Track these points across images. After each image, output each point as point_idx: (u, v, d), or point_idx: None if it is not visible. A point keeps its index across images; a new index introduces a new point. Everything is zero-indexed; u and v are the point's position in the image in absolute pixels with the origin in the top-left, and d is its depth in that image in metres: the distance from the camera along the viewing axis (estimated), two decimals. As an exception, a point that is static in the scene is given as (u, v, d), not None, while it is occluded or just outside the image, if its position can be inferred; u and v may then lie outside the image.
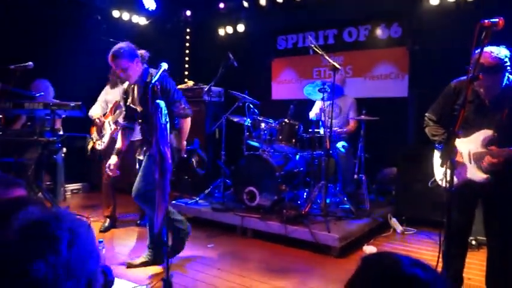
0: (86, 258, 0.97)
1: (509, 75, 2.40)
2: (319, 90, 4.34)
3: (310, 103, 5.15)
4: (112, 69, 4.30)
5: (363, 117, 4.57)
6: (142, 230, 4.36)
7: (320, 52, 4.20)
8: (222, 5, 6.54)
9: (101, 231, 4.26)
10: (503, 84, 2.38)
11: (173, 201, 4.90)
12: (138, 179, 3.24)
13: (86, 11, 6.42)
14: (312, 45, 4.23)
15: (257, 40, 6.58)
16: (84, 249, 0.97)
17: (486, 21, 1.87)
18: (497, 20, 1.89)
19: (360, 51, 5.93)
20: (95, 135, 4.41)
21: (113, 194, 4.41)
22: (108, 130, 4.26)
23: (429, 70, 4.97)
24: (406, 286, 0.90)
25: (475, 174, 2.42)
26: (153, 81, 2.83)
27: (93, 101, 4.62)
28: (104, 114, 4.34)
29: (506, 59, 2.28)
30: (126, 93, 3.35)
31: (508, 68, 2.30)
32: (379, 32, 5.77)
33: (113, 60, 3.06)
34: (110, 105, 4.34)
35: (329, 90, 4.23)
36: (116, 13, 6.72)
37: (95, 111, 4.40)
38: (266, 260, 3.59)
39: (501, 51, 2.28)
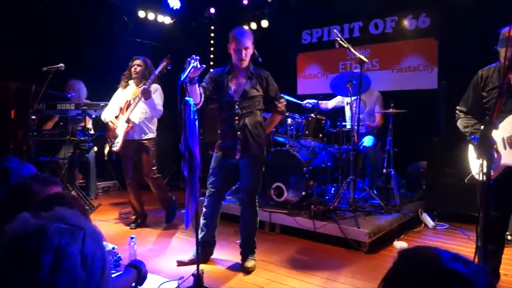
0: (79, 279, 0.80)
1: None
2: (346, 84, 4.29)
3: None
4: (127, 69, 4.31)
5: (391, 110, 4.49)
6: (169, 226, 4.45)
7: (346, 45, 4.13)
8: (245, 1, 6.55)
9: (131, 228, 4.35)
10: None
11: (200, 198, 4.95)
12: (247, 179, 3.23)
13: (112, 12, 6.55)
14: (338, 39, 4.17)
15: (282, 35, 6.55)
16: (76, 271, 0.80)
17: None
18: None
19: (387, 43, 5.81)
20: (110, 139, 4.29)
21: (138, 192, 4.44)
22: (121, 130, 4.16)
23: (459, 61, 4.81)
24: (447, 281, 0.87)
25: (510, 158, 2.35)
26: (182, 79, 2.82)
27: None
28: (116, 117, 4.27)
29: None
30: (214, 81, 3.20)
31: None
32: (406, 23, 5.64)
33: (245, 36, 3.06)
34: (123, 105, 4.25)
35: (355, 83, 4.17)
36: (141, 13, 6.82)
37: (107, 114, 4.29)
38: (294, 256, 3.59)
39: None
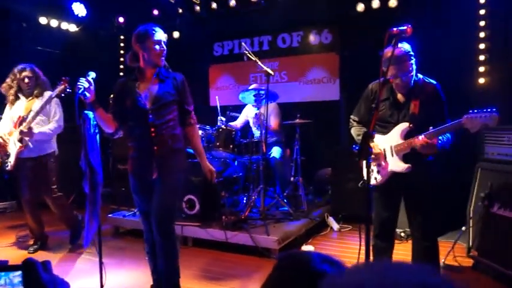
0: None
1: (419, 75, 2.65)
2: (254, 96, 4.43)
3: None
4: (14, 80, 3.89)
5: (297, 121, 4.71)
6: (74, 248, 4.18)
7: (253, 58, 4.28)
8: (156, 12, 6.46)
9: (29, 253, 3.99)
10: (412, 79, 2.59)
11: (110, 215, 4.74)
12: (157, 207, 2.66)
13: (8, 17, 6.05)
14: (246, 52, 4.31)
15: (193, 47, 6.57)
16: None
17: (395, 29, 2.02)
18: (405, 27, 2.04)
19: (294, 56, 6.12)
20: (1, 155, 3.89)
21: (36, 213, 4.07)
22: (13, 149, 3.79)
23: (358, 74, 5.20)
24: (315, 281, 0.95)
25: (397, 165, 2.59)
26: (79, 92, 2.64)
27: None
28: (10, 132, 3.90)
29: (410, 50, 2.56)
30: (125, 87, 2.74)
31: (413, 58, 2.57)
32: (311, 38, 6.00)
33: (161, 29, 2.70)
34: (15, 120, 3.86)
35: (263, 96, 4.33)
36: (42, 20, 6.40)
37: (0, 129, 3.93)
38: (206, 268, 3.58)
39: (404, 45, 2.55)
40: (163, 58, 2.69)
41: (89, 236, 2.60)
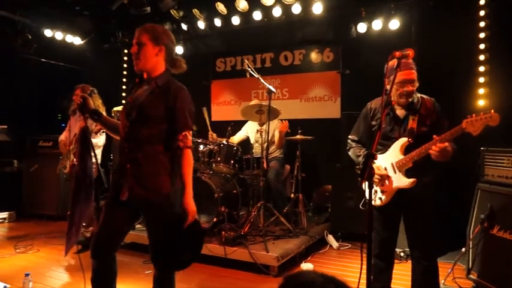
0: None
1: (417, 93, 2.67)
2: (256, 112, 4.47)
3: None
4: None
5: (298, 137, 4.75)
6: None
7: (256, 75, 4.33)
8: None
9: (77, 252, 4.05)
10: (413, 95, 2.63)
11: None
12: (152, 240, 2.29)
13: (14, 29, 6.13)
14: (248, 69, 4.35)
15: (196, 62, 6.57)
16: None
17: (397, 52, 2.06)
18: (408, 51, 2.08)
19: (296, 74, 6.20)
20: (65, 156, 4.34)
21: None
22: (68, 160, 4.23)
23: (358, 92, 5.26)
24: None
25: (402, 181, 2.58)
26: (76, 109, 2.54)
27: (20, 123, 4.33)
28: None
29: (415, 71, 2.56)
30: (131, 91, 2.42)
31: (417, 81, 2.57)
32: (312, 56, 6.08)
33: (140, 29, 2.29)
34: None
35: (265, 113, 4.36)
36: (48, 32, 6.48)
37: (63, 136, 4.45)
38: (204, 284, 3.56)
39: (412, 67, 2.54)
40: (134, 62, 2.29)
41: (69, 245, 2.59)
